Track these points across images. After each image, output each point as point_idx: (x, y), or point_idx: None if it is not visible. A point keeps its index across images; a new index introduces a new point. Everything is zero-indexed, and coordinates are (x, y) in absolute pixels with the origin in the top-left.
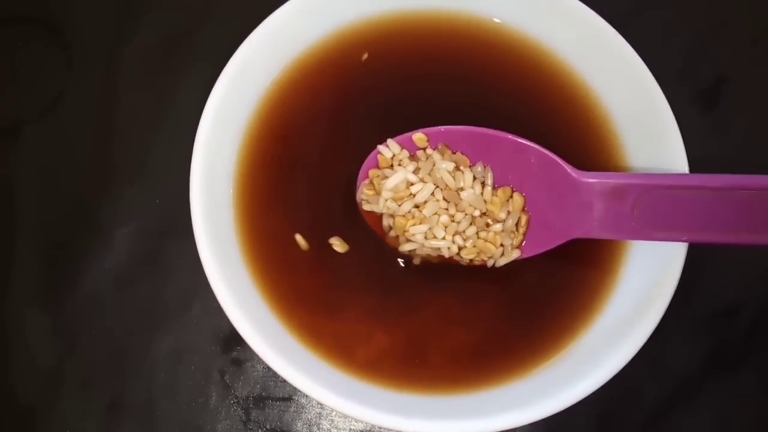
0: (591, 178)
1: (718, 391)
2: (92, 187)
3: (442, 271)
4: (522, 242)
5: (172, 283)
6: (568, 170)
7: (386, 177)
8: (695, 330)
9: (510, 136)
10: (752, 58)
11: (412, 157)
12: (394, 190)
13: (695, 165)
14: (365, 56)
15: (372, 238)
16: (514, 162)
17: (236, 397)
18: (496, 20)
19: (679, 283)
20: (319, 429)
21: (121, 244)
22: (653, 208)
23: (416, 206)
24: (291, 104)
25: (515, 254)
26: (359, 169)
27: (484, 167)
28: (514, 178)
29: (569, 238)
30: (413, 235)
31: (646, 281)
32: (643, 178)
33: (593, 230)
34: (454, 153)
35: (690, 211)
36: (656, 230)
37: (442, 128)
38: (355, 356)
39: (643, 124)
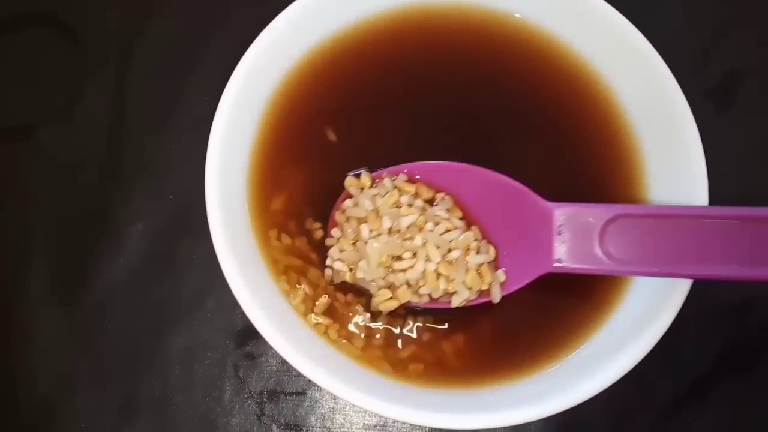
0: (557, 206)
1: (731, 388)
2: (105, 187)
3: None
4: (482, 289)
5: (185, 280)
6: (536, 198)
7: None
8: (708, 328)
9: (477, 169)
10: (765, 54)
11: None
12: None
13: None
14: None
15: None
16: (486, 194)
17: (250, 392)
18: (516, 15)
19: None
20: (332, 423)
21: (134, 242)
22: (621, 237)
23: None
24: (303, 101)
25: (467, 294)
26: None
27: (443, 197)
28: (486, 210)
29: (543, 272)
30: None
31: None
32: (608, 207)
33: (566, 261)
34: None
35: (661, 242)
36: (626, 263)
37: (413, 165)
38: (368, 349)
39: (663, 137)
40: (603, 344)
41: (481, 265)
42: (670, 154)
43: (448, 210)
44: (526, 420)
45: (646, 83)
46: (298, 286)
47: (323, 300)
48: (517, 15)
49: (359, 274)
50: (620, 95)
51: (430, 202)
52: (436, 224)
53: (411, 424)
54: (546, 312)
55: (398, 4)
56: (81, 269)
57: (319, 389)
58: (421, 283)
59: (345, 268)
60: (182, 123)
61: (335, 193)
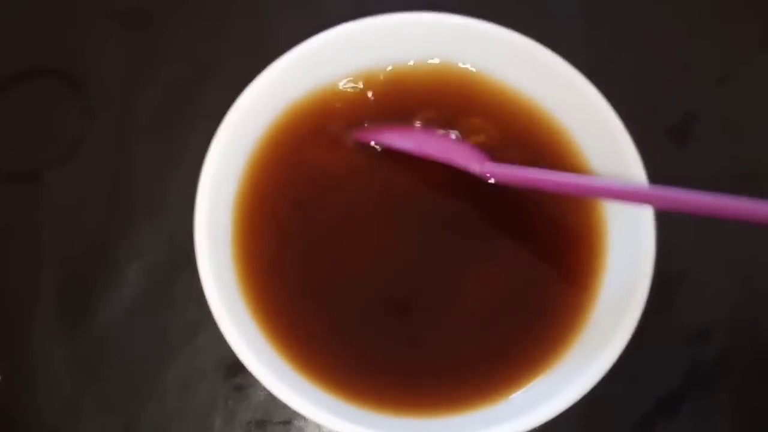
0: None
1: (695, 410)
2: (108, 227)
3: (437, 312)
4: None
5: (180, 314)
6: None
7: None
8: (670, 352)
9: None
10: (719, 96)
11: None
12: None
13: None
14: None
15: (367, 263)
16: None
17: (240, 421)
18: (472, 69)
19: (652, 308)
20: None
21: (133, 278)
22: None
23: None
24: (289, 149)
25: None
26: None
27: None
28: None
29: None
30: None
31: (617, 303)
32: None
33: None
34: None
35: None
36: None
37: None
38: (347, 382)
39: (610, 162)
40: (565, 367)
41: None
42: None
43: None
44: None
45: (595, 125)
46: None
47: None
48: (471, 65)
49: None
50: (580, 141)
51: None
52: None
53: None
54: (504, 340)
55: (374, 60)
56: (85, 305)
57: (305, 419)
58: None
59: None
60: (180, 169)
61: (321, 232)
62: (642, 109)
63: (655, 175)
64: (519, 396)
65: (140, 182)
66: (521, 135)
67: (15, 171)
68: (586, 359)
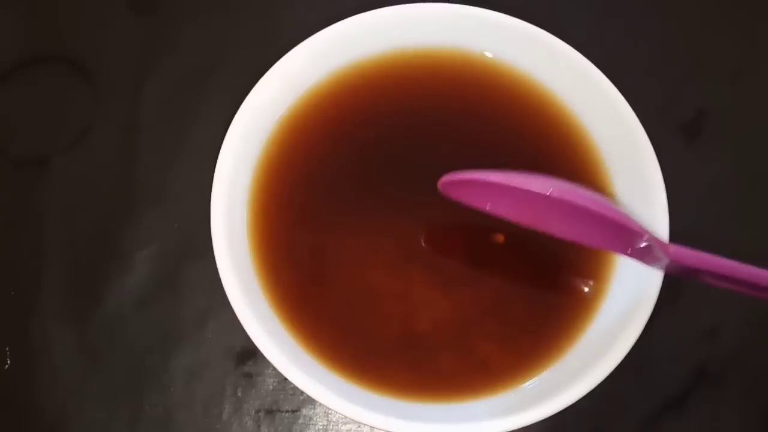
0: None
1: (704, 407)
2: (116, 213)
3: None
4: None
5: (188, 302)
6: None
7: None
8: (680, 349)
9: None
10: (731, 92)
11: None
12: None
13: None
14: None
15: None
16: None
17: (248, 410)
18: (488, 54)
19: (663, 304)
20: None
21: (141, 266)
22: None
23: None
24: (303, 136)
25: None
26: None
27: None
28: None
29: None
30: None
31: (630, 296)
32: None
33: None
34: None
35: None
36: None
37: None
38: (361, 366)
39: (628, 161)
40: (573, 361)
41: None
42: (636, 188)
43: None
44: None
45: (614, 124)
46: None
47: None
48: (490, 55)
49: None
50: (595, 136)
51: None
52: None
53: None
54: (512, 335)
55: (389, 49)
56: (91, 292)
57: (313, 407)
58: None
59: None
60: (188, 156)
61: (337, 218)
62: (654, 104)
63: (667, 171)
64: (527, 389)
65: (149, 169)
66: (536, 127)
67: (23, 157)
68: (596, 354)
